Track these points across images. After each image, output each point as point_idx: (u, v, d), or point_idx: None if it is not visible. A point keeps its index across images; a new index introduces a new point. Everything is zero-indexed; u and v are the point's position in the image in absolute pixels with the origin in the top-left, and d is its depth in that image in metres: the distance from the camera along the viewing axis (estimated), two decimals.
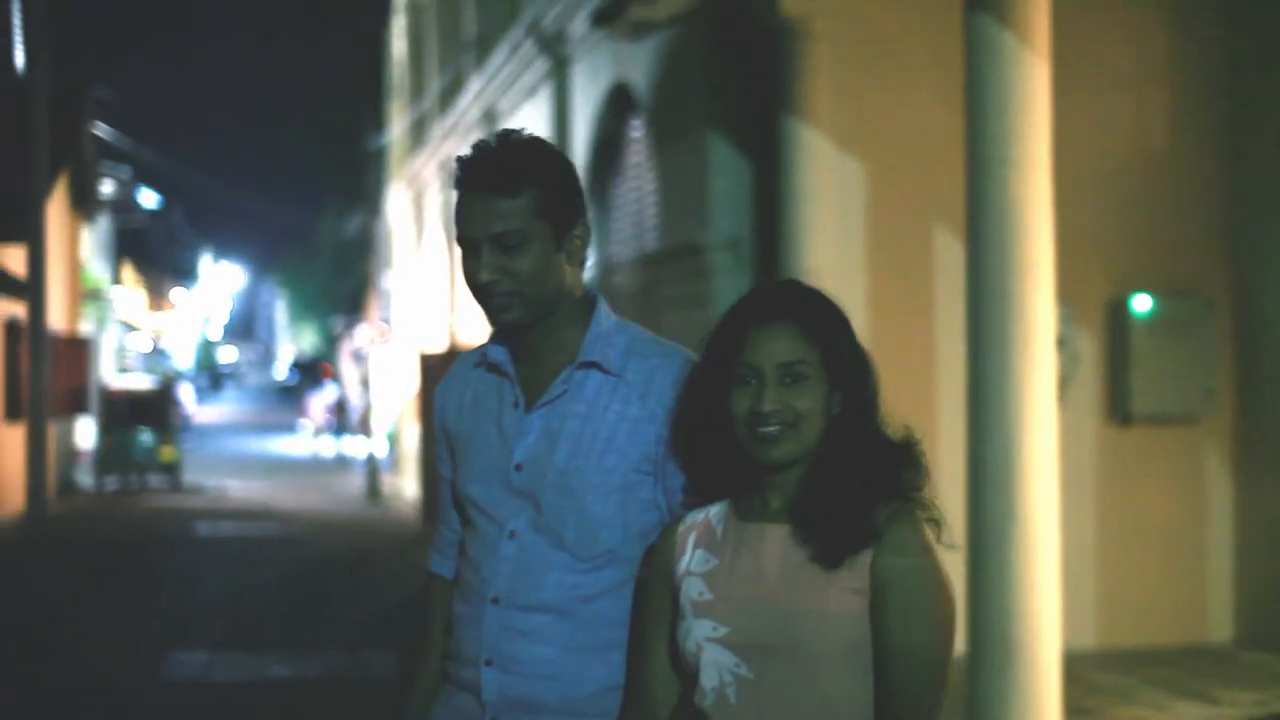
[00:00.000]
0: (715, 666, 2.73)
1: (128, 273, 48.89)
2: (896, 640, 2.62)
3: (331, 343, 56.54)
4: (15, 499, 21.36)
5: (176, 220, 77.67)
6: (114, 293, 41.43)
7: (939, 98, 9.92)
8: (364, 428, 34.18)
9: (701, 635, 2.74)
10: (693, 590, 2.79)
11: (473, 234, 3.04)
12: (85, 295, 33.45)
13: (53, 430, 22.75)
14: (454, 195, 3.11)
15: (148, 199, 58.62)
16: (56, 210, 26.95)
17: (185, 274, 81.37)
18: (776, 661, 2.66)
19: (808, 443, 2.72)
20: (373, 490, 28.24)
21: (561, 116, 15.91)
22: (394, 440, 32.70)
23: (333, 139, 39.48)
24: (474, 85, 20.52)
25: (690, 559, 2.84)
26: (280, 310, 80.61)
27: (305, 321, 69.21)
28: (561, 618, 3.08)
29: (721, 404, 2.77)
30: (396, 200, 31.33)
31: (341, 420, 43.82)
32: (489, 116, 19.81)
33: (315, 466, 38.37)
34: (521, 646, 3.09)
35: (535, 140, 3.11)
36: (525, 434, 3.14)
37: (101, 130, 34.56)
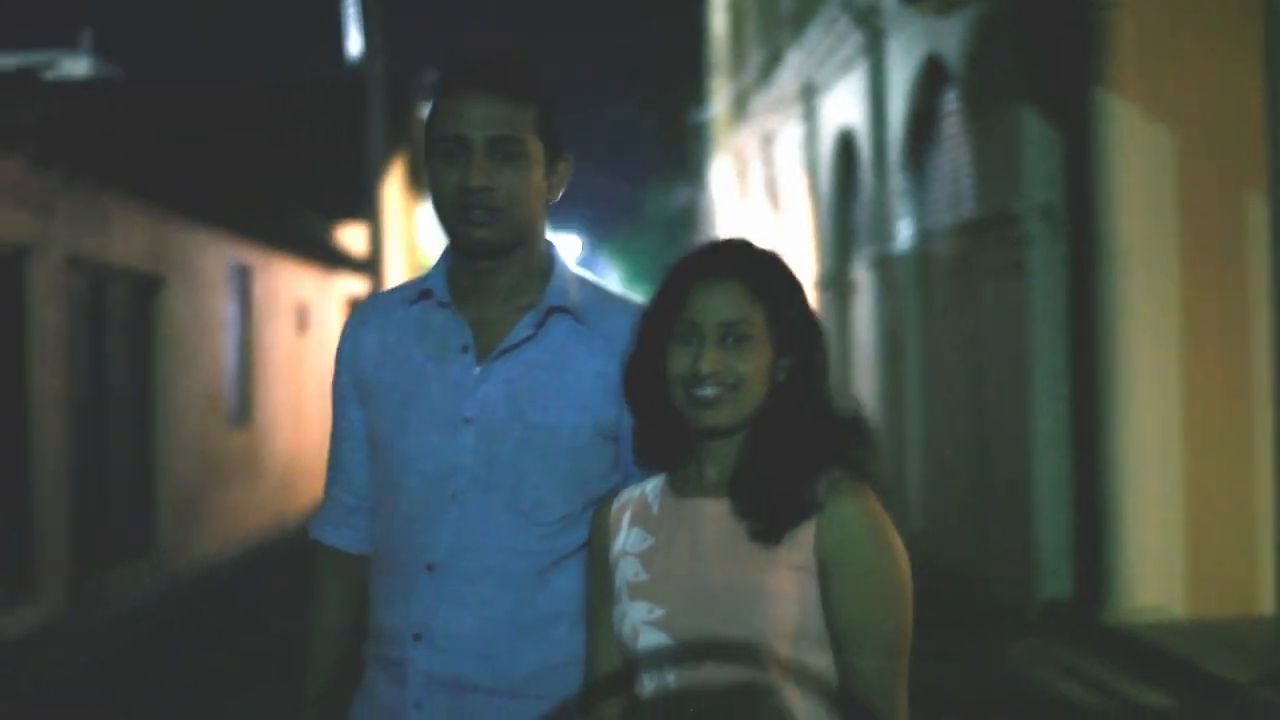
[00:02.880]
0: (651, 652, 2.54)
1: None
2: (846, 616, 2.46)
3: None
4: None
5: None
6: None
7: (1249, 66, 9.93)
8: None
9: (637, 618, 2.56)
10: (628, 571, 2.62)
11: (467, 133, 2.77)
12: (419, 270, 34.78)
13: None
14: (443, 91, 2.84)
15: None
16: (393, 190, 28.18)
17: None
18: (716, 642, 2.48)
19: (747, 409, 2.56)
20: None
21: (877, 90, 16.16)
22: None
23: (657, 113, 40.16)
24: (792, 60, 20.85)
25: (625, 538, 2.67)
26: (611, 281, 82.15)
27: (635, 292, 70.30)
28: (508, 588, 2.80)
29: (660, 364, 2.60)
30: (720, 173, 31.86)
31: None
32: (807, 90, 20.14)
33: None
34: (457, 619, 2.80)
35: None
36: (479, 383, 2.85)
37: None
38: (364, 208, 20.03)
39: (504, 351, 2.85)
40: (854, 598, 2.47)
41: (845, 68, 17.84)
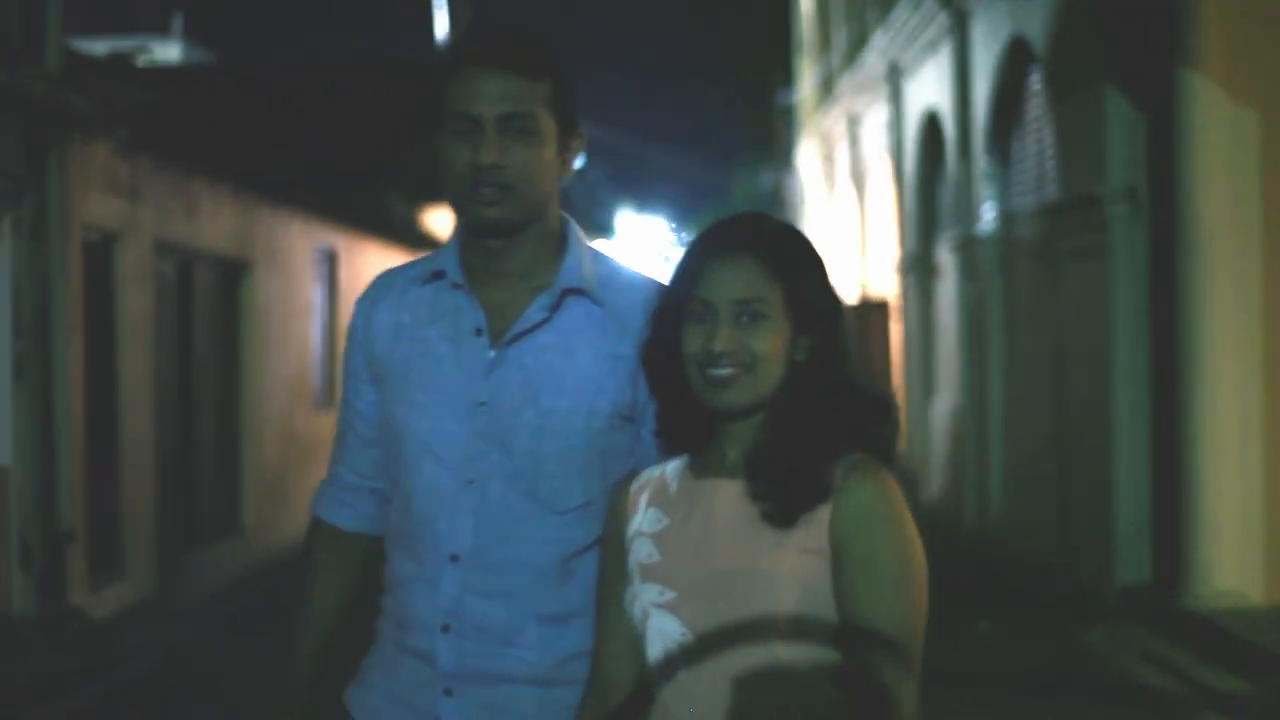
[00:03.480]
0: (661, 635, 2.50)
1: None
2: (857, 602, 2.38)
3: None
4: None
5: (596, 178, 79.84)
6: None
7: None
8: None
9: (648, 601, 2.51)
10: (641, 552, 2.56)
11: (477, 110, 2.70)
12: None
13: None
14: (453, 67, 2.77)
15: None
16: None
17: (604, 229, 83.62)
18: (725, 629, 2.42)
19: (764, 389, 2.49)
20: None
21: (962, 71, 16.10)
22: None
23: (745, 95, 40.14)
24: (878, 41, 20.80)
25: (642, 518, 2.60)
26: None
27: None
28: (536, 578, 2.76)
29: (676, 344, 2.53)
30: (807, 154, 31.81)
31: None
32: (893, 72, 20.09)
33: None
34: (487, 610, 2.76)
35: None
36: (493, 367, 2.79)
37: None
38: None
39: (517, 335, 2.79)
40: (866, 583, 2.38)
41: (931, 49, 17.78)
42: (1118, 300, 11.38)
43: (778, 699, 2.41)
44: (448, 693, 2.78)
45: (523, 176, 2.72)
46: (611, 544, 2.65)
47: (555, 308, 2.81)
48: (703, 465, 2.58)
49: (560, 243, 2.88)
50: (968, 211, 16.10)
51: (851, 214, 25.34)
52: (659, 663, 2.50)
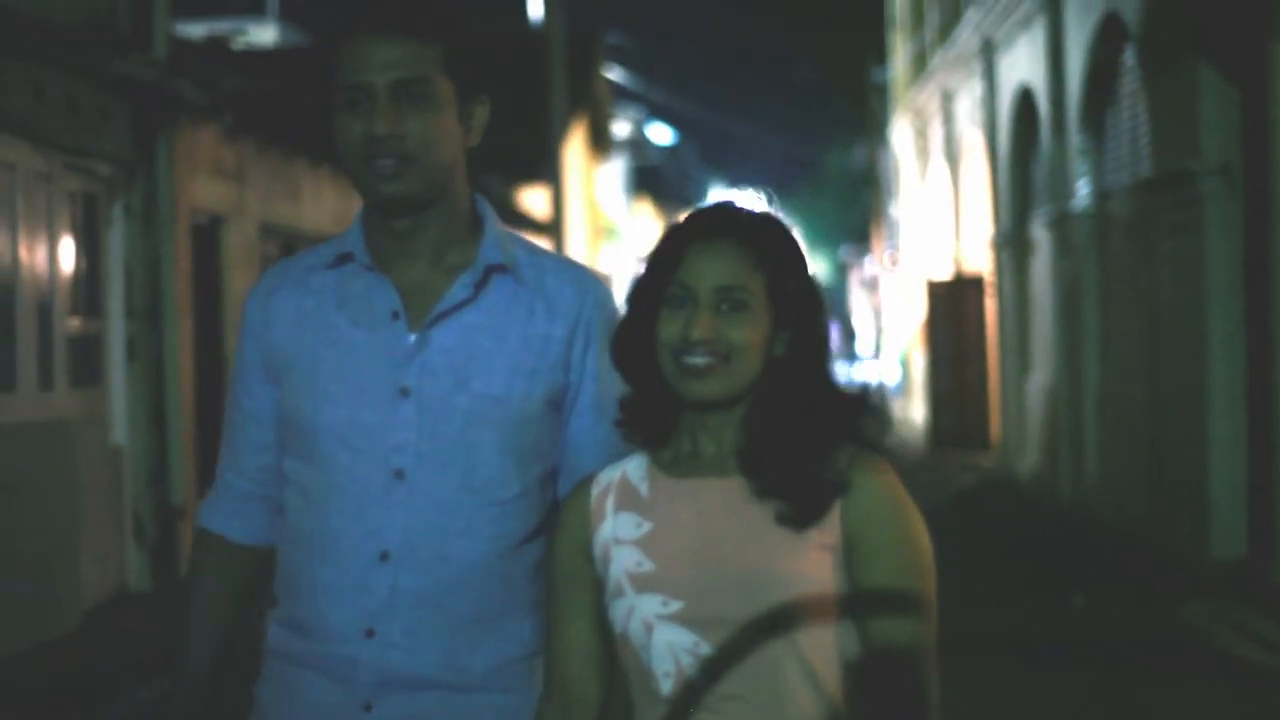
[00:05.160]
0: (669, 647, 2.34)
1: (643, 207, 50.98)
2: (882, 596, 2.34)
3: (841, 271, 57.37)
4: None
5: (688, 155, 79.87)
6: (628, 228, 43.38)
7: None
8: (874, 355, 34.92)
9: (650, 613, 2.36)
10: (627, 561, 2.40)
11: (367, 79, 2.53)
12: (602, 232, 35.20)
13: None
14: (338, 36, 2.61)
15: (661, 136, 60.74)
16: (574, 152, 28.50)
17: (696, 206, 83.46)
18: (749, 635, 2.31)
19: (739, 382, 2.38)
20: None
21: (1056, 46, 16.07)
22: (904, 366, 33.25)
23: (837, 71, 40.07)
24: (971, 17, 20.75)
25: (614, 525, 2.44)
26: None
27: (815, 251, 70.23)
28: (471, 575, 2.59)
29: (649, 329, 2.41)
30: (900, 131, 31.75)
31: (851, 348, 44.68)
32: (986, 48, 20.05)
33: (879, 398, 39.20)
34: (418, 615, 2.57)
35: None
36: (415, 351, 2.61)
37: (615, 74, 36.32)
38: (546, 170, 20.38)
39: (441, 316, 2.61)
40: (884, 571, 2.33)
41: (1024, 25, 17.75)
42: (1212, 275, 11.38)
43: (809, 701, 2.32)
44: (367, 708, 2.58)
45: (422, 145, 2.55)
46: (572, 555, 2.48)
47: (480, 285, 2.63)
48: (674, 462, 2.45)
49: (473, 221, 2.71)
50: (1062, 188, 16.08)
51: (945, 190, 25.29)
52: (671, 676, 2.34)
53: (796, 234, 2.50)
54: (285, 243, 13.48)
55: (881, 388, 30.08)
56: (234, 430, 2.80)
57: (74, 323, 10.35)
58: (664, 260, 2.43)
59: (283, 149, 13.00)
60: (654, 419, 2.46)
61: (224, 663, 2.82)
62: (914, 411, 29.17)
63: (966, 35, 21.36)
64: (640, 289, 2.46)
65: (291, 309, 2.70)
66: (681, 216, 2.52)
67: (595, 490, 2.49)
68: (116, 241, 10.84)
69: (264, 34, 39.96)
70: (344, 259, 2.69)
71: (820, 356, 2.45)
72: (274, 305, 2.72)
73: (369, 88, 2.53)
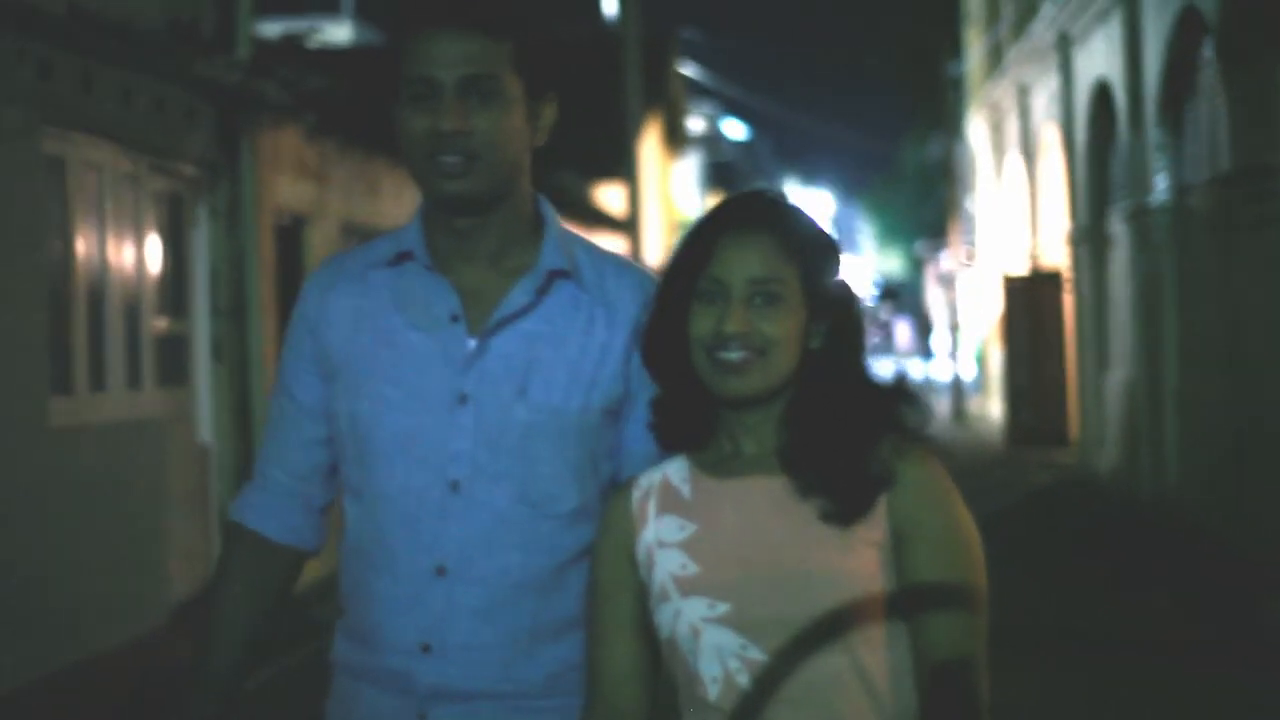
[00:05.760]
0: (716, 651, 2.29)
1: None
2: (935, 589, 2.29)
3: (916, 267, 57.17)
4: None
5: (762, 150, 79.80)
6: None
7: None
8: (950, 351, 34.81)
9: (696, 616, 2.30)
10: (671, 564, 2.34)
11: (434, 73, 2.46)
12: (676, 228, 35.31)
13: None
14: (406, 30, 2.53)
15: (735, 131, 60.75)
16: (649, 149, 28.57)
17: None
18: (804, 636, 2.26)
19: (775, 377, 2.33)
20: (958, 411, 28.89)
21: (1133, 40, 15.99)
22: (981, 362, 33.12)
23: (912, 66, 39.95)
24: (1047, 11, 20.67)
25: (657, 529, 2.38)
26: (865, 235, 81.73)
27: (890, 246, 70.02)
28: (526, 592, 2.51)
29: (681, 326, 2.35)
30: (975, 126, 31.62)
31: (927, 343, 44.55)
32: (1062, 42, 19.96)
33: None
34: (474, 629, 2.50)
35: None
36: (474, 357, 2.53)
37: (689, 70, 36.39)
38: (622, 167, 20.45)
39: (501, 321, 2.54)
40: (935, 562, 2.29)
41: (1101, 18, 17.66)
42: None
43: (862, 702, 2.28)
44: (421, 718, 2.54)
45: (489, 144, 2.47)
46: (615, 560, 2.43)
47: (541, 292, 2.56)
48: (715, 464, 2.40)
49: (535, 222, 2.63)
50: (1140, 182, 16.00)
51: (1021, 185, 25.19)
52: (718, 680, 2.29)
53: (824, 227, 2.43)
54: (367, 241, 13.61)
55: (961, 382, 29.99)
56: (282, 423, 2.71)
57: (160, 323, 10.50)
58: (694, 253, 2.36)
59: (363, 148, 13.13)
60: (689, 419, 2.41)
61: (247, 668, 2.72)
62: (991, 408, 29.06)
63: (1042, 29, 21.27)
64: (669, 283, 2.40)
65: (348, 307, 2.62)
66: (709, 208, 2.46)
67: (636, 494, 2.43)
68: (201, 242, 11.00)
69: (339, 32, 40.22)
70: (403, 257, 2.62)
71: (856, 348, 2.40)
72: (330, 302, 2.64)
73: (436, 82, 2.46)
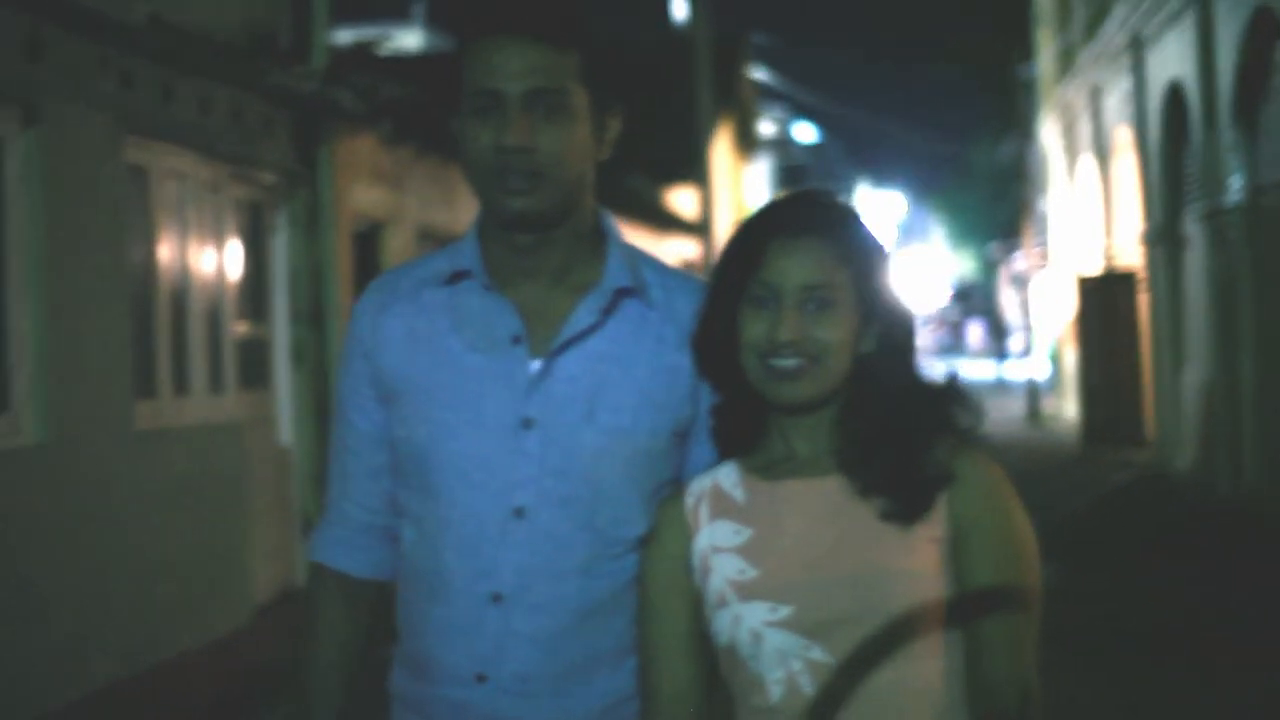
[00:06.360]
0: (779, 654, 2.26)
1: None
2: (984, 580, 2.27)
3: (990, 268, 56.93)
4: None
5: (834, 153, 79.62)
6: None
7: None
8: (1024, 351, 34.69)
9: (757, 620, 2.27)
10: (729, 569, 2.31)
11: (499, 85, 2.36)
12: None
13: None
14: (468, 38, 2.43)
15: (806, 134, 60.69)
16: (721, 152, 28.62)
17: None
18: (859, 637, 2.23)
19: (830, 383, 2.30)
20: (1033, 412, 28.77)
21: (1206, 42, 15.92)
22: (1055, 362, 32.95)
23: (983, 67, 39.82)
24: (1119, 12, 20.58)
25: (711, 535, 2.35)
26: (938, 236, 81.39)
27: (963, 247, 69.74)
28: (586, 619, 2.43)
29: (730, 333, 2.32)
30: (1048, 127, 31.49)
31: (1000, 344, 44.40)
32: (1135, 43, 19.88)
33: (975, 390, 38.97)
34: (531, 659, 2.42)
35: None
36: (539, 381, 2.43)
37: (760, 74, 36.44)
38: (693, 170, 20.53)
39: (566, 343, 2.44)
40: (993, 561, 2.28)
41: (1173, 20, 17.59)
42: None
43: (919, 703, 2.27)
44: None
45: (555, 161, 2.38)
46: (669, 568, 2.39)
47: (607, 311, 2.47)
48: (767, 467, 2.37)
49: (597, 237, 2.54)
50: (1214, 183, 15.93)
51: (1094, 185, 25.08)
52: (781, 683, 2.26)
53: (872, 229, 2.39)
54: (443, 247, 13.74)
55: (1035, 382, 29.89)
56: (347, 455, 2.62)
57: (241, 327, 10.68)
58: (743, 259, 2.32)
59: (439, 154, 13.26)
60: (742, 423, 2.39)
61: (350, 708, 2.67)
62: (1066, 408, 28.92)
63: (1114, 31, 21.17)
64: (719, 289, 2.36)
65: (403, 329, 2.52)
66: (756, 210, 2.42)
67: (689, 500, 2.39)
68: (281, 248, 11.17)
69: (409, 39, 40.52)
70: (460, 276, 2.52)
71: (908, 350, 2.37)
72: (385, 324, 2.54)
73: (500, 95, 2.36)
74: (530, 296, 2.47)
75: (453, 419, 2.44)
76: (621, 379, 2.44)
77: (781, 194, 2.45)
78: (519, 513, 2.41)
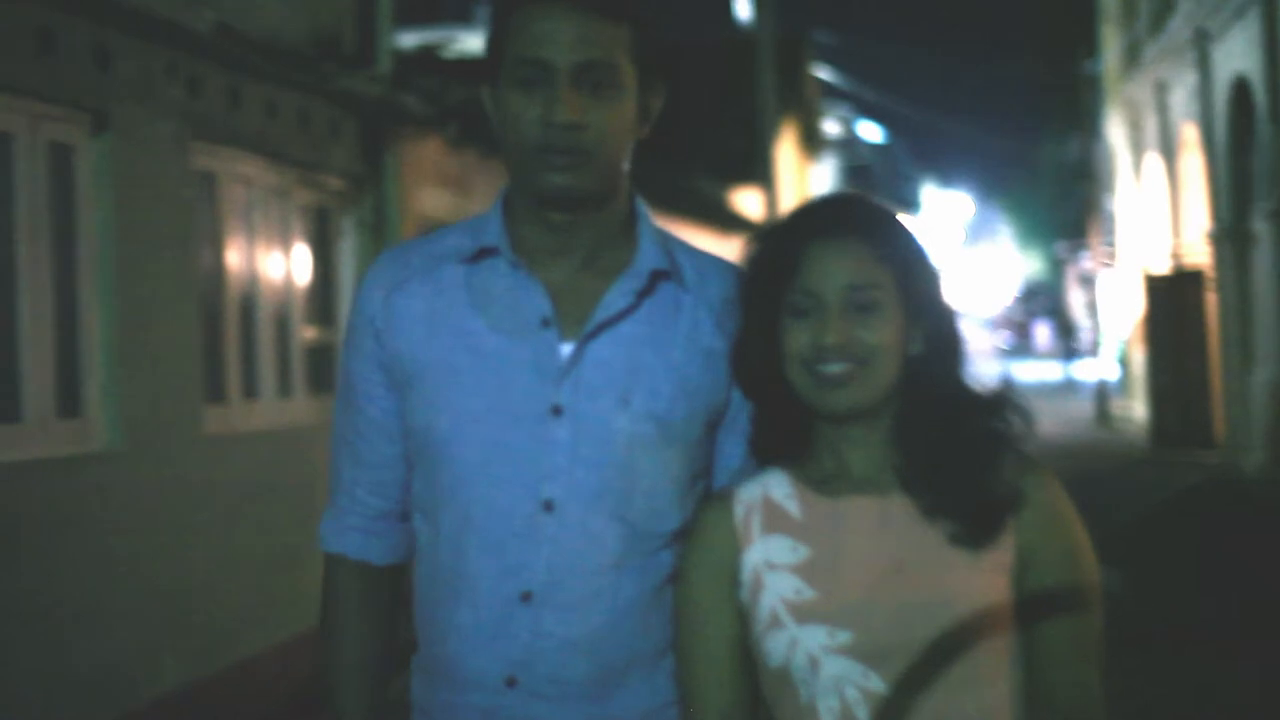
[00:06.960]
0: (836, 682, 2.15)
1: None
2: (1055, 593, 2.19)
3: (1057, 267, 56.62)
4: None
5: (899, 152, 79.38)
6: None
7: None
8: (1093, 351, 34.49)
9: (815, 645, 2.16)
10: (784, 589, 2.20)
11: (548, 55, 2.24)
12: None
13: None
14: (517, 6, 2.30)
15: (871, 134, 60.56)
16: (785, 152, 28.59)
17: (909, 204, 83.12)
18: (932, 667, 2.13)
19: (880, 387, 2.20)
20: (1102, 413, 28.60)
21: (1271, 36, 15.81)
22: (1123, 363, 32.76)
23: (1047, 64, 39.61)
24: (1184, 7, 20.46)
25: (764, 549, 2.23)
26: (1005, 237, 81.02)
27: (1030, 246, 69.38)
28: (620, 618, 2.31)
29: (769, 341, 2.23)
30: (1114, 124, 31.29)
31: (1068, 345, 44.15)
32: (1200, 39, 19.75)
33: (1043, 391, 38.88)
34: (564, 660, 2.29)
35: None
36: (570, 366, 2.31)
37: (824, 73, 36.39)
38: (758, 171, 20.52)
39: (600, 326, 2.32)
40: (1054, 573, 2.20)
41: (1239, 14, 17.46)
42: None
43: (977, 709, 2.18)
44: None
45: (602, 139, 2.27)
46: (714, 579, 2.27)
47: (642, 294, 2.36)
48: (821, 481, 2.26)
49: (629, 219, 2.43)
50: None
51: (1161, 183, 24.90)
52: (834, 711, 2.16)
53: (909, 226, 2.29)
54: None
55: (1104, 383, 29.70)
56: (355, 440, 2.47)
57: (309, 332, 10.75)
58: (779, 265, 2.23)
59: (502, 157, 13.31)
60: (788, 435, 2.28)
61: (380, 700, 2.54)
62: (1135, 409, 28.73)
63: (1179, 26, 21.05)
64: (754, 297, 2.26)
65: (420, 309, 2.38)
66: (786, 216, 2.33)
67: (739, 509, 2.27)
68: (348, 253, 11.23)
69: (472, 41, 40.65)
70: (486, 252, 2.39)
71: (956, 352, 2.27)
72: (398, 303, 2.39)
73: (549, 65, 2.24)
74: (560, 277, 2.35)
75: (476, 406, 2.31)
76: (657, 364, 2.33)
77: (810, 199, 2.36)
78: (548, 506, 2.28)
